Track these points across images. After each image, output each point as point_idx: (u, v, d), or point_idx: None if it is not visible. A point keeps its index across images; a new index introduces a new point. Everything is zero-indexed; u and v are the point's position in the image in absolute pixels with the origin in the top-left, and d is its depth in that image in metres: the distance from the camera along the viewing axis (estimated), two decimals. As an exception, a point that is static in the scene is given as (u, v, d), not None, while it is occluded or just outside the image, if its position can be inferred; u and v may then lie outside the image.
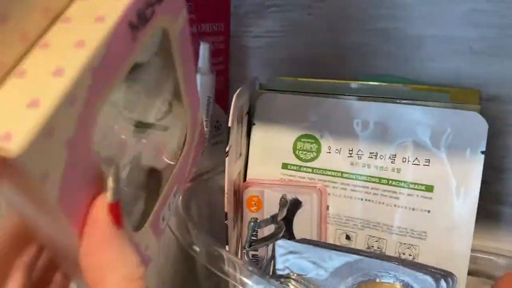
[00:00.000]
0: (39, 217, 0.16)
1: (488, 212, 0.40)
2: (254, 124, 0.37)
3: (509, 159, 0.39)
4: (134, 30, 0.16)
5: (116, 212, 0.17)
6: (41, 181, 0.13)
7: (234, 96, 0.31)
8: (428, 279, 0.29)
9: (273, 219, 0.32)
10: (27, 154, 0.12)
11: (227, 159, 0.30)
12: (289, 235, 0.34)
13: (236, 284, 0.31)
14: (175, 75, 0.21)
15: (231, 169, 0.32)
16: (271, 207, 0.34)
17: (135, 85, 0.22)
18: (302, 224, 0.34)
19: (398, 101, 0.33)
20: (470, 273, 0.40)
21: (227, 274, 0.31)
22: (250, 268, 0.31)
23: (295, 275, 0.32)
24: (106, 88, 0.15)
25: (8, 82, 0.14)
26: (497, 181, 0.39)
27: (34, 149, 0.13)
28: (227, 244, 0.32)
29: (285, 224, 0.33)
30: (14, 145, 0.12)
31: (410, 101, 0.33)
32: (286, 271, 0.32)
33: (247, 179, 0.37)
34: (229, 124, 0.31)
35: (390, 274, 0.30)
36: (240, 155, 0.36)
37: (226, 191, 0.31)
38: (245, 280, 0.30)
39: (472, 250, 0.39)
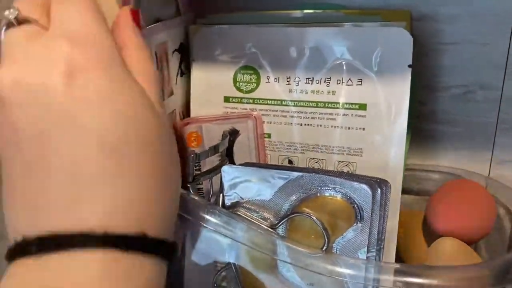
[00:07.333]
0: None
1: (425, 131, 0.42)
2: (193, 60, 0.37)
3: (443, 77, 0.41)
4: None
5: (137, 16, 0.24)
6: None
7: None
8: (364, 187, 0.31)
9: (215, 148, 0.33)
10: None
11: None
12: (231, 164, 0.35)
13: (187, 217, 0.32)
14: None
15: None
16: (210, 141, 0.35)
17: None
18: (241, 152, 0.35)
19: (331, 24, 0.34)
20: (410, 191, 0.42)
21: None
22: (198, 199, 0.32)
23: (243, 200, 0.34)
24: None
25: None
26: (432, 100, 0.41)
27: None
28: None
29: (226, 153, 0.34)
30: None
31: (342, 24, 0.34)
32: (234, 196, 0.33)
33: (191, 116, 0.38)
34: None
35: (329, 187, 0.31)
36: (172, 94, 0.36)
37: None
38: (199, 212, 0.31)
39: (411, 169, 0.42)
